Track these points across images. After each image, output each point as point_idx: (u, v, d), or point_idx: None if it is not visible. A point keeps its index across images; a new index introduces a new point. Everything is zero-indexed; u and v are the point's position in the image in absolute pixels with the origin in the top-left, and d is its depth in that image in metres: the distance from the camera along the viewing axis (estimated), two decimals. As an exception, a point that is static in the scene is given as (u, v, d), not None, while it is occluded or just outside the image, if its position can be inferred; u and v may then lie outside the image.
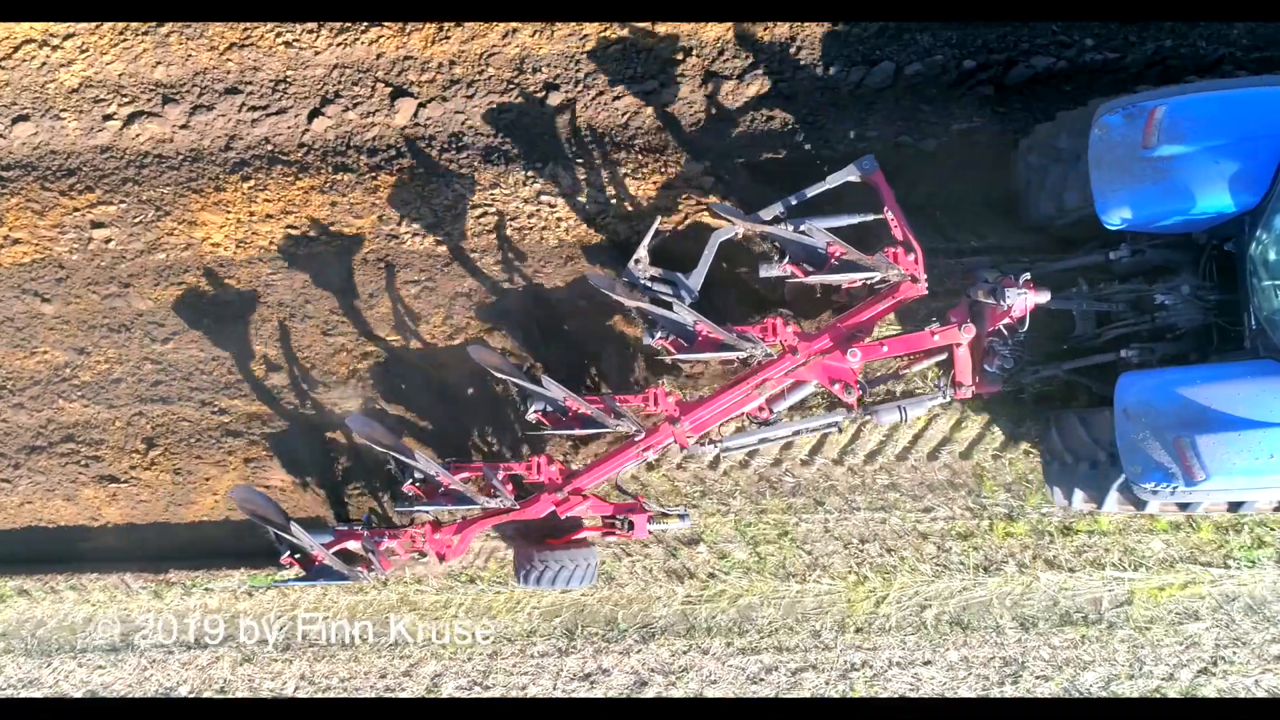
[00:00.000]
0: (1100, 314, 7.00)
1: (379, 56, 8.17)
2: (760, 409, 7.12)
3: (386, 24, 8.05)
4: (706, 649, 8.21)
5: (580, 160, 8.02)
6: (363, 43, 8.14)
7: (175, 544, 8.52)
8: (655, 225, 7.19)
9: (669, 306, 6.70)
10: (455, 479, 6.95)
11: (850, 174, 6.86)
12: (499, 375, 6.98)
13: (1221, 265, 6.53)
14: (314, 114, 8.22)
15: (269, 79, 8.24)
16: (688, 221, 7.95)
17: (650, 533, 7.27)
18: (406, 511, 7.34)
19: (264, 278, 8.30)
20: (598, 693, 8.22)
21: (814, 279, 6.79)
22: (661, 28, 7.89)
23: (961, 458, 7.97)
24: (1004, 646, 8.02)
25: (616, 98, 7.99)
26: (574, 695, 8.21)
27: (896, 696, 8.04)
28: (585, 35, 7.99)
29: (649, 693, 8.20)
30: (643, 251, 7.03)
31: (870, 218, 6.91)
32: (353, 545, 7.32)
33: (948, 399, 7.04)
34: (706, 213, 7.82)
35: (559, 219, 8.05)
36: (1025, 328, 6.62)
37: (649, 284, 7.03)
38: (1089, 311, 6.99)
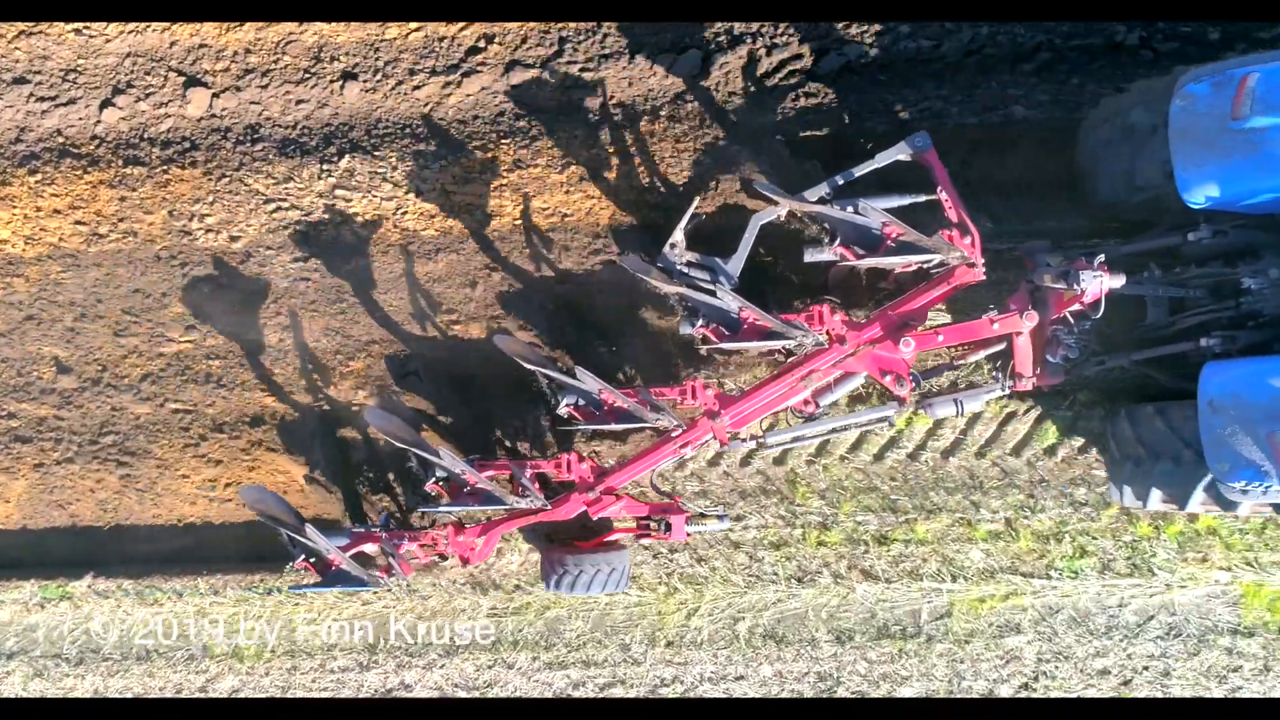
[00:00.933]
0: (1173, 300, 6.47)
1: (172, 44, 7.81)
2: (805, 403, 6.68)
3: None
4: (512, 663, 7.87)
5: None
6: (155, 30, 7.78)
7: (-29, 554, 8.19)
8: (692, 208, 6.67)
9: (708, 293, 6.25)
10: (482, 477, 6.50)
11: (901, 152, 6.38)
12: (528, 366, 6.42)
13: None
14: (105, 104, 7.86)
15: (59, 68, 7.88)
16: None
17: (689, 535, 6.84)
18: (429, 512, 6.91)
19: (54, 276, 7.94)
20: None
21: (867, 262, 6.38)
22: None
23: (775, 464, 7.63)
24: (819, 660, 7.69)
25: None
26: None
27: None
28: (385, 24, 7.67)
29: (455, 709, 7.86)
30: (679, 235, 6.56)
31: (921, 198, 6.47)
32: (369, 548, 6.91)
33: (1006, 391, 6.60)
34: (744, 194, 7.26)
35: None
36: (1099, 314, 6.10)
37: (686, 269, 6.56)
38: (1162, 298, 6.46)
